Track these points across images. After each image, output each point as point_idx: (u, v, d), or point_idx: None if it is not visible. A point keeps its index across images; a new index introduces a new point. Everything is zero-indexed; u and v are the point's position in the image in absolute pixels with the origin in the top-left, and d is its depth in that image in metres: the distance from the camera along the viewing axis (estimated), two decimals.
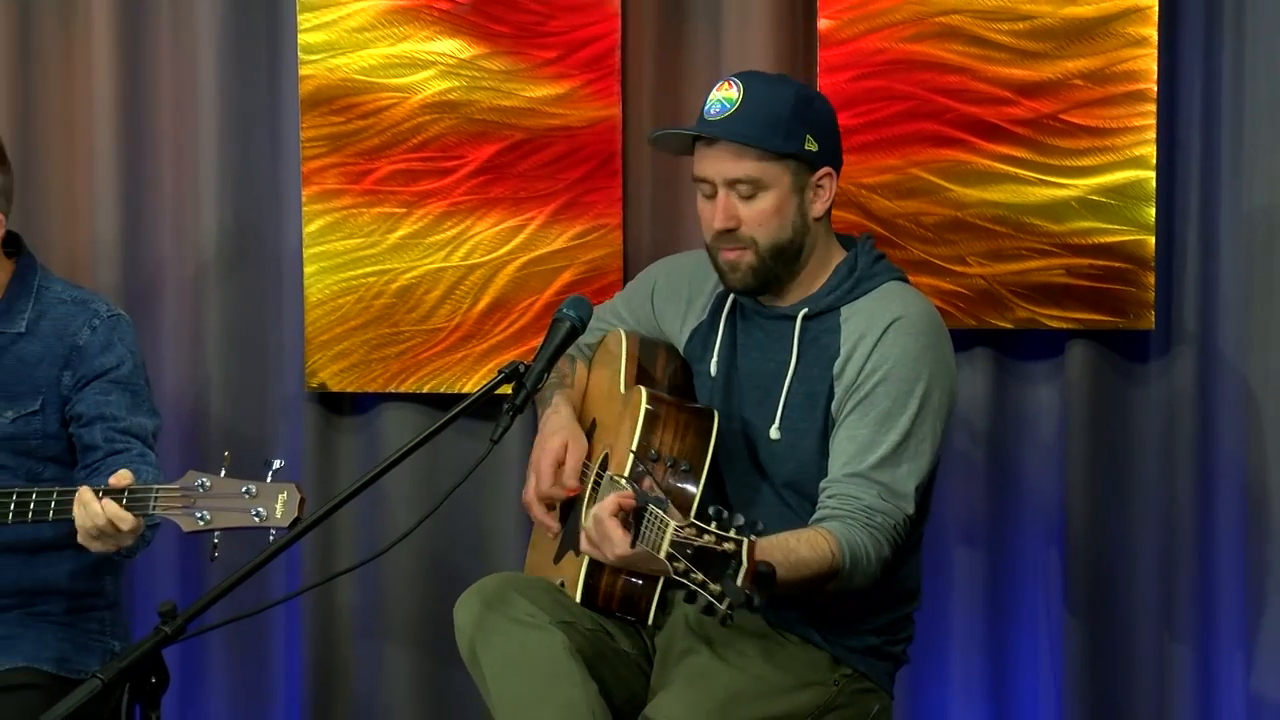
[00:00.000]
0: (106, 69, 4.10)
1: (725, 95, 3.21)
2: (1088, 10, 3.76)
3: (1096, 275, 3.80)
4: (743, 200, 3.20)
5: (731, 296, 3.32)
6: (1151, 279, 3.79)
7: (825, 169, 3.23)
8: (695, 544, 2.72)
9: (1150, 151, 3.77)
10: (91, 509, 3.14)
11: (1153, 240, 3.79)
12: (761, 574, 2.70)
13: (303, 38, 3.99)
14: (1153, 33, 3.76)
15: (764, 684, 3.17)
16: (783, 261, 3.23)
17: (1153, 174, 3.78)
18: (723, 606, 2.70)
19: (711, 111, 3.21)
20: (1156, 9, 3.75)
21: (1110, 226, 3.79)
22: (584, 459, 3.35)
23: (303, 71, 4.00)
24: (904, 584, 3.28)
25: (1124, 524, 3.90)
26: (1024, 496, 3.94)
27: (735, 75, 3.26)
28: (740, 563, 2.69)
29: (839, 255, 3.30)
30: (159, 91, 4.13)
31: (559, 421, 3.37)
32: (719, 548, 2.71)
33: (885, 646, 3.29)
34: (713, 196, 3.22)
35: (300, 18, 3.99)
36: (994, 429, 3.91)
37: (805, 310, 3.25)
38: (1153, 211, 3.78)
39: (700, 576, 2.72)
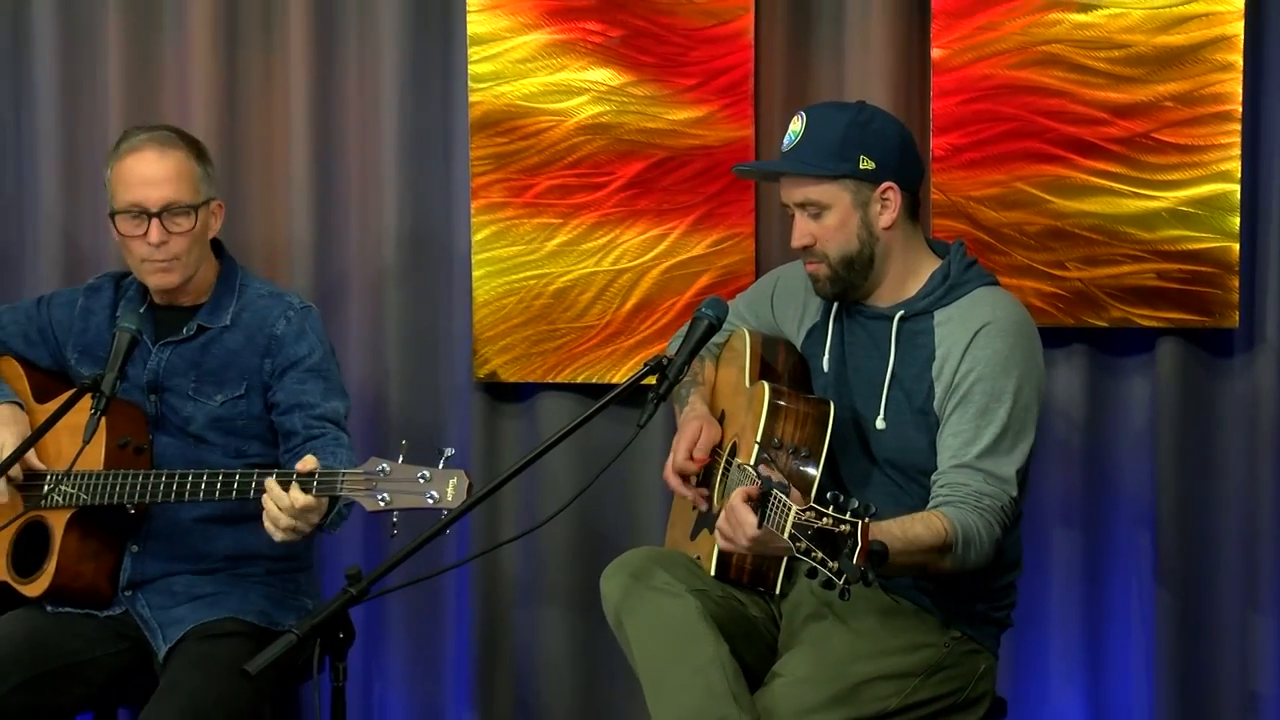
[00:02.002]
0: (301, 96, 4.15)
1: (793, 129, 3.25)
2: (1178, 39, 3.74)
3: (1185, 279, 3.78)
4: (813, 219, 3.24)
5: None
6: (1235, 282, 3.77)
7: (887, 184, 3.22)
8: (815, 526, 2.75)
9: (1235, 167, 3.75)
10: (283, 501, 3.19)
11: (1237, 247, 3.76)
12: (875, 552, 2.73)
13: (473, 68, 4.03)
14: (1238, 59, 3.73)
15: (881, 645, 3.19)
16: (855, 270, 3.25)
17: (1237, 187, 3.75)
18: (840, 582, 2.74)
19: (784, 145, 3.26)
20: (1242, 37, 3.72)
21: (1198, 234, 3.77)
22: (719, 437, 3.37)
23: (472, 98, 4.03)
24: (1007, 555, 3.28)
25: (1210, 505, 3.88)
26: (1118, 481, 3.92)
27: (806, 108, 3.28)
28: (856, 542, 2.72)
29: (932, 262, 3.30)
30: (347, 116, 4.17)
31: (695, 412, 3.42)
32: (836, 529, 2.74)
33: (991, 612, 3.30)
34: (794, 218, 3.28)
35: (470, 51, 4.02)
36: (1090, 420, 3.89)
37: (901, 312, 3.26)
38: (1237, 221, 3.76)
39: (820, 555, 2.75)
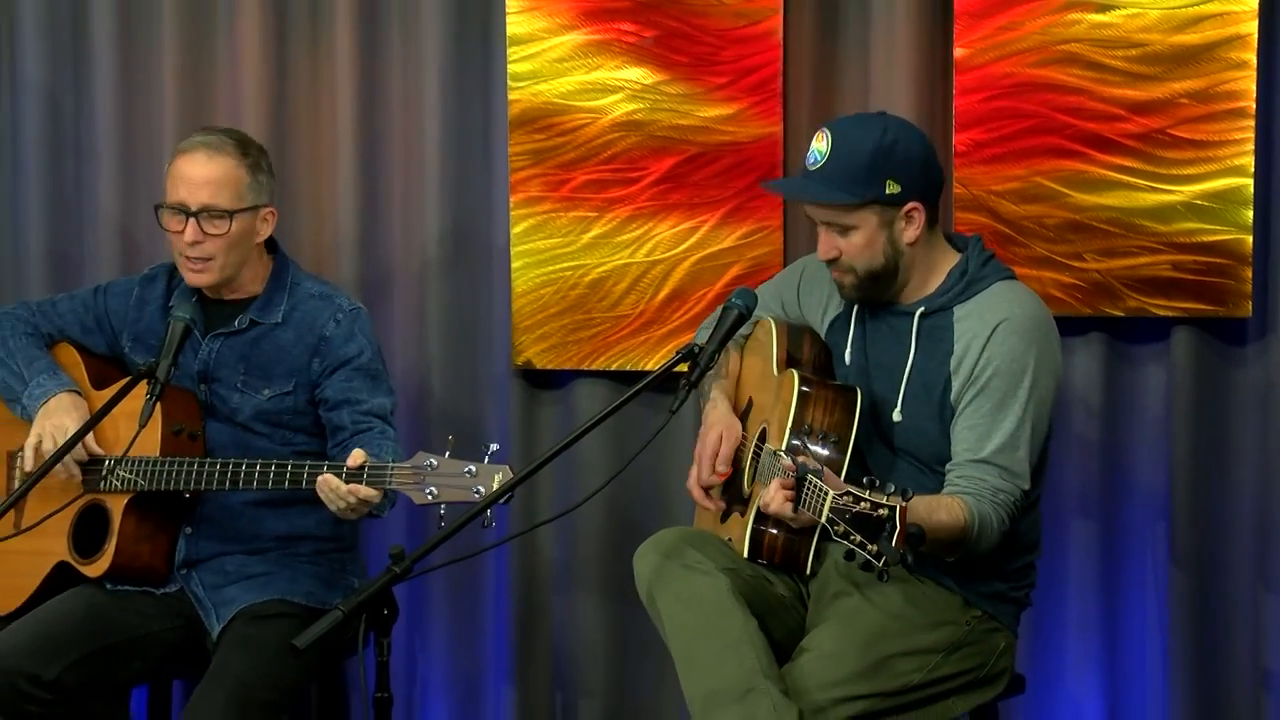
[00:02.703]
0: (347, 96, 4.16)
1: (817, 147, 3.21)
2: (1194, 38, 3.73)
3: (1199, 269, 3.76)
4: (839, 235, 3.22)
5: None
6: (1249, 273, 3.75)
7: (911, 204, 3.21)
8: (853, 510, 2.76)
9: (1249, 161, 3.73)
10: (340, 490, 3.25)
11: (1250, 239, 3.74)
12: (912, 535, 2.75)
13: (512, 68, 4.04)
14: (1252, 57, 3.72)
15: (904, 623, 3.21)
16: (881, 281, 3.24)
17: (1251, 181, 3.73)
18: (879, 564, 2.75)
19: (808, 161, 3.22)
20: (1256, 36, 3.71)
21: (1212, 227, 3.75)
22: (739, 441, 3.36)
23: (511, 96, 4.05)
24: (1026, 537, 3.30)
25: (1223, 488, 3.86)
26: (1133, 466, 3.90)
27: (829, 124, 3.24)
28: (894, 526, 2.73)
29: (951, 258, 3.30)
30: (391, 115, 4.18)
31: (715, 415, 3.40)
32: (874, 513, 2.75)
33: (1010, 592, 3.32)
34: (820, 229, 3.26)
35: (509, 51, 4.03)
36: (1106, 406, 3.88)
37: (922, 309, 3.26)
38: (1250, 214, 3.74)
39: (858, 538, 2.76)
